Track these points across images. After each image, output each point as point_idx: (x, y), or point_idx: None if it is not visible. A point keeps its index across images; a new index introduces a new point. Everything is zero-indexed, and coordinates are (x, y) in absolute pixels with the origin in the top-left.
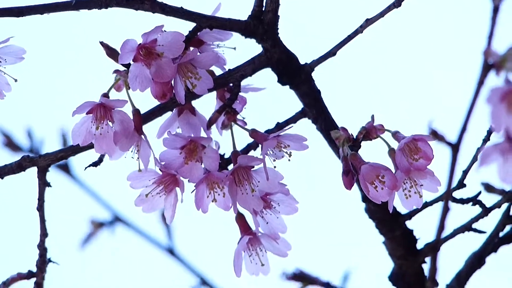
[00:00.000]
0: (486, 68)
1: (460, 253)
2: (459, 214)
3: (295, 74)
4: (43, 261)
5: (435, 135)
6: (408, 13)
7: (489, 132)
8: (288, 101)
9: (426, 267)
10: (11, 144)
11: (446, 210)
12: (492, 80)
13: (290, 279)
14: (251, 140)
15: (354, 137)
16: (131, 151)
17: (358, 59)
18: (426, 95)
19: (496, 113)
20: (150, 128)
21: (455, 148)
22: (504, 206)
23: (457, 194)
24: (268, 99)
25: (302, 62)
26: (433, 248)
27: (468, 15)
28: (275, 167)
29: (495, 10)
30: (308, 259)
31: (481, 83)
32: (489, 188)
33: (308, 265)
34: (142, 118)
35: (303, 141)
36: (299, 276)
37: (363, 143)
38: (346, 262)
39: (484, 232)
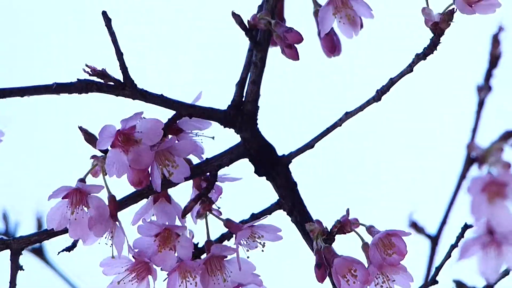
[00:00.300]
0: (469, 161)
1: None
2: None
3: (272, 165)
4: None
5: (415, 227)
6: (388, 106)
7: (464, 229)
8: (264, 192)
9: None
10: None
11: None
12: (474, 174)
13: None
14: (225, 229)
15: (329, 230)
16: (105, 237)
17: (337, 151)
18: (406, 187)
19: (477, 203)
20: (125, 215)
21: (434, 241)
22: None
23: None
24: (244, 190)
25: (280, 153)
26: None
27: (450, 107)
28: (248, 257)
29: (480, 104)
30: None
31: (463, 176)
32: (460, 285)
33: None
34: (117, 205)
35: (277, 232)
36: None
37: (337, 237)
38: None
39: None
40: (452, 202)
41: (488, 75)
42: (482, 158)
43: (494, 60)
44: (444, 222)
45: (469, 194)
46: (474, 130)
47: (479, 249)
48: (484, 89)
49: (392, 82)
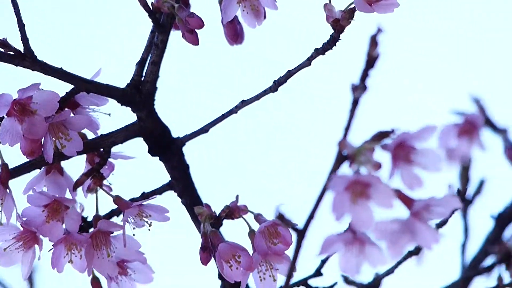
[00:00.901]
0: (340, 159)
1: None
2: None
3: (166, 146)
4: None
5: (282, 219)
6: (283, 97)
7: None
8: (157, 173)
9: None
10: None
11: None
12: (344, 171)
13: None
14: (115, 206)
15: (217, 214)
16: None
17: (232, 138)
18: (284, 179)
19: (339, 201)
20: (18, 184)
21: (301, 234)
22: None
23: (314, 282)
24: (137, 169)
25: (174, 135)
26: None
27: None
28: (134, 235)
29: (355, 102)
30: None
31: (332, 173)
32: (347, 280)
33: None
34: (9, 173)
35: (165, 213)
36: None
37: (226, 222)
38: None
39: None
40: (321, 197)
41: (364, 74)
42: (353, 156)
43: (371, 60)
44: (311, 217)
45: (332, 191)
46: (347, 128)
47: (341, 245)
48: (359, 88)
49: (289, 74)
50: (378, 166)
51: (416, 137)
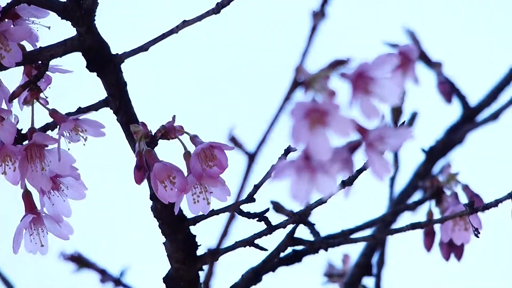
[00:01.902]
0: (295, 84)
1: (241, 267)
2: (247, 228)
3: (105, 62)
4: None
5: (234, 141)
6: (226, 20)
7: (287, 151)
8: (94, 89)
9: (203, 274)
10: None
11: (230, 220)
12: (298, 97)
13: (67, 260)
14: (50, 120)
15: (153, 134)
16: None
17: (173, 58)
18: (233, 103)
19: (297, 128)
20: None
21: (251, 157)
22: (290, 227)
23: (246, 207)
24: (74, 84)
25: (114, 52)
26: (213, 256)
27: (291, 29)
28: (69, 149)
29: (313, 29)
30: (90, 246)
31: (287, 98)
32: (277, 207)
33: (88, 251)
34: None
35: (101, 128)
36: (77, 259)
37: (162, 142)
38: (127, 255)
39: (265, 250)
40: (274, 122)
41: (324, 1)
42: (309, 83)
43: None
44: (263, 141)
45: (291, 118)
46: (304, 55)
47: (293, 172)
48: (319, 15)
49: None
50: (332, 94)
51: (374, 67)
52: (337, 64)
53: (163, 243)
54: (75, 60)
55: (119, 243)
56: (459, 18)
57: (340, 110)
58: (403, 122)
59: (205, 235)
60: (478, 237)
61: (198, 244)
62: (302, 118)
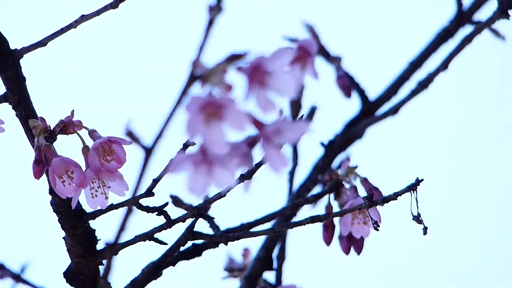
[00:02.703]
0: (192, 78)
1: (141, 261)
2: (146, 222)
3: (3, 57)
4: None
5: (131, 136)
6: (124, 14)
7: (185, 145)
8: None
9: (102, 269)
10: None
11: (128, 213)
12: (196, 91)
13: None
14: None
15: (52, 129)
16: None
17: (73, 53)
18: (132, 96)
19: (193, 121)
20: None
21: (148, 152)
22: (189, 221)
23: (144, 201)
24: None
25: (13, 47)
26: (112, 250)
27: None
28: None
29: (210, 23)
30: None
31: (184, 92)
32: (176, 201)
33: None
34: None
35: (0, 124)
36: None
37: (62, 137)
38: (27, 251)
39: (165, 244)
40: (171, 116)
41: None
42: (206, 77)
43: None
44: (160, 135)
45: (186, 112)
46: (201, 49)
47: (190, 166)
48: (216, 8)
49: None
50: (229, 88)
51: (271, 60)
52: (234, 57)
53: (63, 238)
54: None
55: (19, 238)
56: (359, 12)
57: (236, 103)
58: (302, 116)
59: (105, 230)
60: (377, 230)
61: (98, 238)
62: (198, 112)
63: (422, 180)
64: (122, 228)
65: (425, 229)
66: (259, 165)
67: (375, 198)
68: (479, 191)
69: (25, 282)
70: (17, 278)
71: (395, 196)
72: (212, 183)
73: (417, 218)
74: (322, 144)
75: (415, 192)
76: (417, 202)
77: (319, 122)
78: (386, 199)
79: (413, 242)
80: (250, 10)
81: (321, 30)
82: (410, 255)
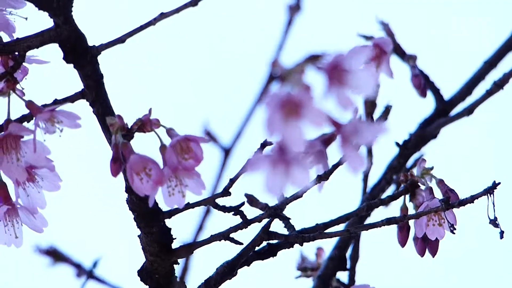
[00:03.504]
0: (270, 78)
1: (216, 260)
2: (222, 222)
3: (81, 54)
4: None
5: (209, 136)
6: (203, 12)
7: (263, 145)
8: (71, 80)
9: (178, 268)
10: None
11: (206, 213)
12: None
13: (43, 254)
14: (27, 111)
15: (129, 126)
16: None
17: (151, 51)
18: (211, 95)
19: (272, 119)
20: None
21: (227, 152)
22: (265, 221)
23: (221, 201)
24: (51, 75)
25: (91, 44)
26: (188, 249)
27: (262, 23)
28: (44, 141)
29: (289, 23)
30: (64, 239)
31: (262, 92)
32: (252, 201)
33: (63, 244)
34: None
35: (77, 120)
36: (52, 252)
37: (138, 135)
38: (101, 248)
39: (241, 244)
40: (249, 116)
41: None
42: (284, 77)
43: None
44: (239, 135)
45: (266, 109)
46: (280, 48)
47: (268, 165)
48: (294, 8)
49: None
50: (308, 88)
51: (349, 58)
52: (312, 58)
53: (138, 236)
54: (52, 51)
55: (94, 236)
56: (434, 12)
57: (315, 101)
58: (378, 116)
59: (181, 229)
60: (453, 233)
61: (174, 237)
62: (277, 110)
63: (499, 183)
64: (200, 228)
65: (501, 233)
66: (336, 165)
67: (451, 200)
68: None
69: (97, 279)
70: (90, 275)
71: (472, 199)
72: (289, 183)
73: (494, 222)
74: (397, 144)
75: (492, 195)
76: (494, 206)
77: (394, 121)
78: (462, 202)
79: (488, 245)
80: (327, 8)
81: (396, 28)
82: (485, 258)
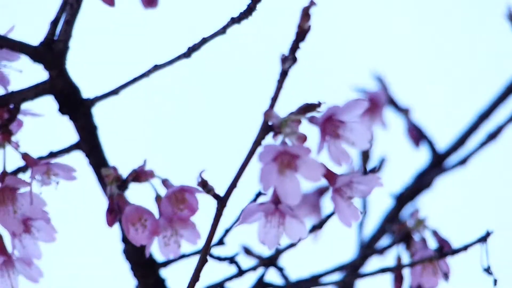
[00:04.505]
0: (265, 129)
1: None
2: (217, 272)
3: (76, 106)
4: None
5: (204, 186)
6: (197, 64)
7: (257, 195)
8: (66, 132)
9: None
10: None
11: (201, 263)
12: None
13: None
14: (21, 164)
15: (124, 177)
16: None
17: (145, 102)
18: (205, 146)
19: (266, 171)
20: None
21: (222, 201)
22: (260, 271)
23: (216, 251)
24: (46, 127)
25: (86, 96)
26: None
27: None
28: (41, 193)
29: (283, 73)
30: None
31: (257, 142)
32: (247, 251)
33: None
34: None
35: (72, 172)
36: None
37: (133, 185)
38: None
39: None
40: (244, 166)
41: (295, 46)
42: (279, 127)
43: (302, 32)
44: (233, 185)
45: (260, 161)
46: (274, 99)
47: (262, 216)
48: (289, 59)
49: (203, 40)
50: (303, 138)
51: (344, 111)
52: (307, 108)
53: (135, 287)
54: (47, 104)
55: (90, 286)
56: (428, 64)
57: (310, 153)
58: (373, 168)
59: (176, 279)
60: (447, 281)
61: (169, 287)
62: (272, 161)
63: (492, 232)
64: (195, 278)
65: (495, 281)
66: (330, 215)
67: (445, 249)
68: None
69: None
70: None
71: (465, 248)
72: (283, 234)
73: (487, 270)
74: (392, 195)
75: (485, 244)
76: (487, 254)
77: (389, 173)
78: (456, 251)
79: None
80: (321, 60)
81: (390, 81)
82: None
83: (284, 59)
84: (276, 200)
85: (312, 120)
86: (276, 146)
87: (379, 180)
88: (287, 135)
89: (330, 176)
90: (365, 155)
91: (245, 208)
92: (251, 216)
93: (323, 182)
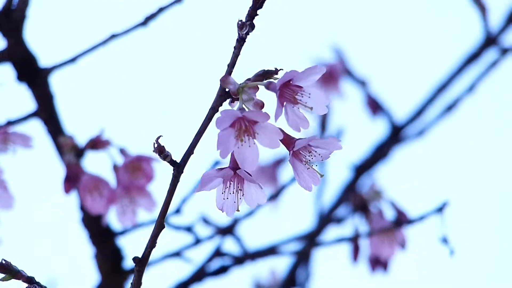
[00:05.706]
0: (222, 95)
1: (168, 279)
2: (174, 241)
3: (34, 74)
4: None
5: (161, 152)
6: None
7: (214, 164)
8: (24, 101)
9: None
10: None
11: (158, 231)
12: (225, 108)
13: None
14: None
15: (81, 146)
16: None
17: (103, 70)
18: (162, 113)
19: (224, 137)
20: None
21: (178, 167)
22: (217, 240)
23: (174, 220)
24: (4, 95)
25: (43, 64)
26: (139, 267)
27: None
28: None
29: (240, 40)
30: (19, 257)
31: (214, 109)
32: (205, 220)
33: (16, 260)
34: None
35: (30, 141)
36: (4, 268)
37: (91, 154)
38: (56, 267)
39: (193, 261)
40: (201, 132)
41: (252, 13)
42: (236, 93)
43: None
44: (190, 151)
45: (217, 127)
46: (231, 65)
47: (220, 182)
48: (246, 26)
49: (160, 9)
50: (261, 105)
51: (302, 76)
52: (264, 74)
53: (92, 254)
54: (3, 73)
55: (49, 255)
56: (386, 36)
57: (268, 119)
58: (331, 136)
59: (133, 247)
60: (403, 251)
61: (126, 255)
62: (229, 127)
63: (449, 203)
64: (151, 246)
65: (451, 251)
66: (288, 184)
67: (402, 220)
68: (507, 212)
69: None
70: None
71: (421, 218)
72: (242, 200)
73: (444, 240)
74: (351, 166)
75: (441, 214)
76: (444, 225)
77: (346, 144)
78: (412, 221)
79: (440, 264)
80: (278, 28)
81: (347, 52)
82: (437, 276)
83: (241, 25)
84: (234, 166)
85: (269, 86)
86: (234, 112)
87: (338, 143)
88: (244, 101)
89: (287, 140)
90: (323, 126)
91: (203, 174)
92: (210, 182)
93: (281, 149)
